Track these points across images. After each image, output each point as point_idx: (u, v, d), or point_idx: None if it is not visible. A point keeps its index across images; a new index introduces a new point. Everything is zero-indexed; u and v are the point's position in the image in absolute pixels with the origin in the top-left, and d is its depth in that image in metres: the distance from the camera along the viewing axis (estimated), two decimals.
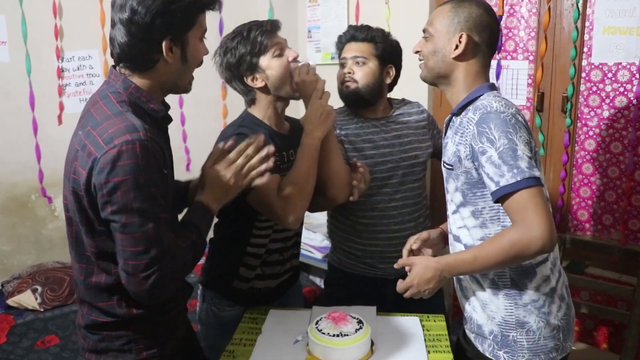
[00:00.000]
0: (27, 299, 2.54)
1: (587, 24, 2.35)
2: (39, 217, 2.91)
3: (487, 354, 1.47)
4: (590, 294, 2.46)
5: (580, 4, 2.34)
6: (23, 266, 2.82)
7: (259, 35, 1.62)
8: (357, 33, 1.92)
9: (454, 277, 1.54)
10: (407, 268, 1.49)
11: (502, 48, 2.62)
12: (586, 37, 2.37)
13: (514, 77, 2.62)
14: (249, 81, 1.68)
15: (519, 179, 1.24)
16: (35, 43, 2.77)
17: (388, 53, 1.92)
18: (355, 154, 1.92)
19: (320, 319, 1.62)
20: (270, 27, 1.65)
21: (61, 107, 2.90)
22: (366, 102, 1.93)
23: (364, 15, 3.12)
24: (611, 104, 2.35)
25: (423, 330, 1.73)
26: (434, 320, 1.79)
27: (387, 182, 1.93)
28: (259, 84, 1.67)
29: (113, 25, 1.22)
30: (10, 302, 2.55)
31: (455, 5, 1.45)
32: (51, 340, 2.33)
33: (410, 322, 1.77)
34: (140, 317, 1.33)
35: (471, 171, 1.38)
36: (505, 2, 2.58)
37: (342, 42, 1.97)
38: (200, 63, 1.33)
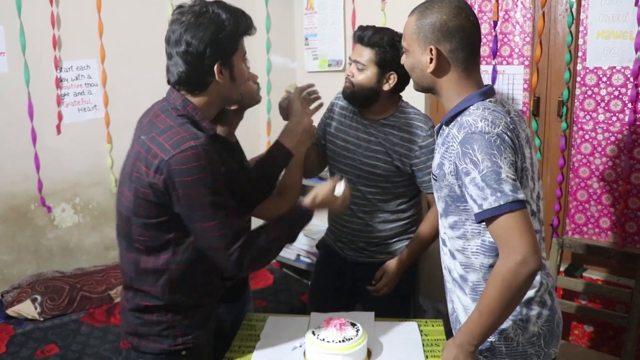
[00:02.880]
0: (27, 309, 2.54)
1: (581, 28, 2.37)
2: (38, 227, 2.91)
3: None
4: (588, 297, 2.47)
5: (574, 9, 2.36)
6: (23, 276, 2.83)
7: None
8: (363, 36, 1.96)
9: (444, 280, 1.55)
10: None
11: (498, 53, 2.64)
12: (580, 41, 2.38)
13: (510, 82, 2.63)
14: None
15: (502, 202, 1.22)
16: (34, 53, 2.78)
17: (388, 61, 1.94)
18: (328, 138, 2.13)
19: (319, 326, 1.63)
20: None
21: (60, 117, 2.91)
22: (360, 103, 2.04)
23: (360, 22, 3.13)
24: (606, 108, 2.36)
25: (421, 335, 1.74)
26: (432, 325, 1.80)
27: (344, 175, 2.00)
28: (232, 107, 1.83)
29: (170, 57, 1.45)
30: (10, 311, 2.56)
31: (419, 15, 1.40)
32: (51, 350, 2.33)
33: (408, 328, 1.78)
34: (179, 305, 1.51)
35: (454, 187, 1.37)
36: (500, 7, 2.60)
37: (353, 41, 2.03)
38: (245, 80, 1.56)
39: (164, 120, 1.42)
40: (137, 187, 1.39)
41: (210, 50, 1.40)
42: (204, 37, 1.39)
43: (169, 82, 1.51)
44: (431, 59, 1.38)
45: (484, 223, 1.30)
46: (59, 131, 2.92)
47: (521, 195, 1.24)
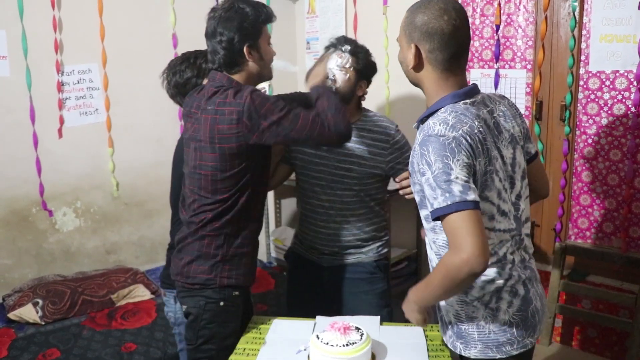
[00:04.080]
0: (28, 313, 2.53)
1: (584, 32, 2.37)
2: (39, 231, 2.90)
3: (448, 345, 1.56)
4: (592, 302, 2.46)
5: (576, 13, 2.36)
6: (24, 280, 2.82)
7: (203, 63, 1.99)
8: (346, 45, 2.08)
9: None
10: None
11: (500, 57, 2.64)
12: (583, 45, 2.38)
13: (512, 86, 2.63)
14: None
15: (449, 202, 1.28)
16: (36, 57, 2.78)
17: (366, 69, 2.10)
18: (297, 149, 2.18)
19: (323, 330, 1.62)
20: None
21: (61, 121, 2.90)
22: None
23: (362, 26, 3.14)
24: (609, 112, 2.36)
25: (426, 340, 1.73)
26: (437, 330, 1.79)
27: (317, 182, 2.13)
28: None
29: (208, 45, 1.80)
30: (11, 315, 2.55)
31: (409, 13, 1.47)
32: (52, 354, 2.32)
33: (413, 332, 1.77)
34: (235, 241, 1.81)
35: (422, 184, 1.41)
36: (502, 11, 2.61)
37: (329, 48, 2.13)
38: (272, 60, 1.88)
39: (220, 93, 1.74)
40: (223, 145, 1.70)
41: (238, 36, 1.75)
42: (232, 27, 1.74)
43: (213, 68, 1.83)
44: (413, 56, 1.44)
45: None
46: (60, 135, 2.92)
47: (471, 197, 1.28)
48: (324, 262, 2.18)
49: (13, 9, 2.69)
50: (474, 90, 1.47)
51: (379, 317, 1.85)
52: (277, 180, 2.26)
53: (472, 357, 1.48)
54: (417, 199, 1.51)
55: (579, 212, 2.53)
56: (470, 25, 1.49)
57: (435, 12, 1.39)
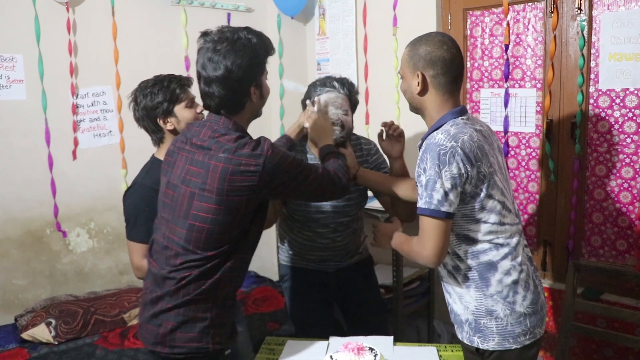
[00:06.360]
0: (42, 333, 2.54)
1: (592, 51, 2.39)
2: (53, 252, 2.93)
3: (465, 341, 1.68)
4: (607, 321, 2.43)
5: (585, 32, 2.38)
6: (37, 300, 2.83)
7: (177, 88, 1.92)
8: (340, 86, 2.21)
9: (440, 275, 1.75)
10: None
11: (510, 76, 2.65)
12: (592, 64, 2.40)
13: (522, 105, 2.64)
14: (160, 123, 1.96)
15: (426, 207, 1.54)
16: (51, 81, 2.83)
17: (354, 104, 2.28)
18: None
19: (337, 350, 1.62)
20: (185, 82, 1.98)
21: (75, 143, 2.94)
22: (343, 144, 2.20)
23: (372, 47, 3.17)
24: (620, 129, 2.36)
25: None
26: (452, 351, 1.79)
27: (321, 211, 2.22)
28: (169, 127, 1.96)
29: (208, 83, 1.56)
30: (25, 335, 2.56)
31: (410, 48, 1.68)
32: None
33: (427, 352, 1.77)
34: (221, 302, 1.62)
35: (418, 184, 1.61)
36: (511, 31, 2.63)
37: (321, 86, 2.22)
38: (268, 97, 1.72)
39: (231, 139, 1.55)
40: (232, 198, 1.52)
41: (247, 75, 1.55)
42: (242, 64, 1.53)
43: (208, 107, 1.63)
44: (418, 83, 1.64)
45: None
46: (74, 157, 2.96)
47: (444, 208, 1.52)
48: (330, 269, 2.34)
49: (30, 33, 2.75)
50: (465, 109, 1.68)
51: (392, 337, 1.85)
52: (274, 216, 2.27)
53: (490, 348, 1.63)
54: None
55: (591, 230, 2.52)
56: (463, 54, 1.75)
57: (436, 43, 1.63)
